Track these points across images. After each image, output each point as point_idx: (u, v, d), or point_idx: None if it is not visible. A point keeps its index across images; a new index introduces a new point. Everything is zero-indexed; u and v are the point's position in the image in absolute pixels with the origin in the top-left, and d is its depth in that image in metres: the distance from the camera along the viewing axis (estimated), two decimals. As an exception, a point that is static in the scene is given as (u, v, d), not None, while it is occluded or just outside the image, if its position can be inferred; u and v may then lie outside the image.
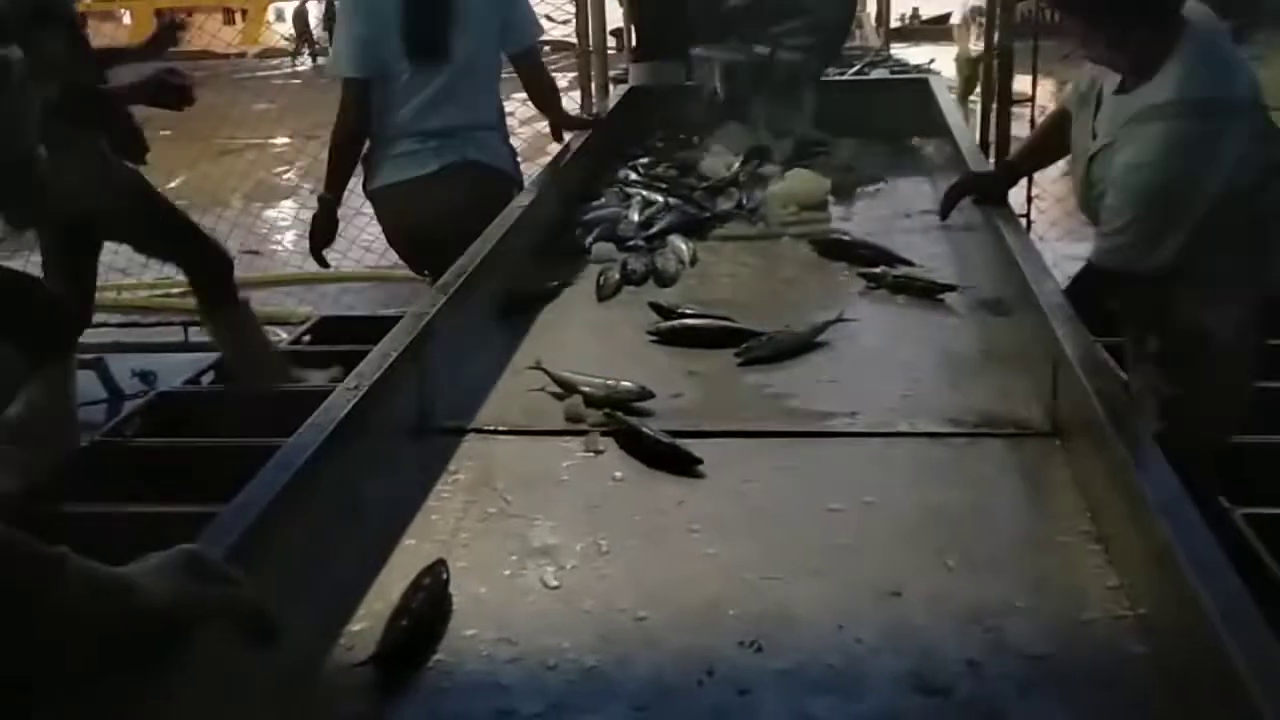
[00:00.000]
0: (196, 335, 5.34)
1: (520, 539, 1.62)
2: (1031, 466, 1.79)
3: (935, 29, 21.31)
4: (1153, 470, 1.45)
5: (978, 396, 2.03)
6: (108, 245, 7.36)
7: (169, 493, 3.06)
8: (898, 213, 3.27)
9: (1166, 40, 2.24)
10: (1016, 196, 3.94)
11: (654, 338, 2.35)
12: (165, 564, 1.07)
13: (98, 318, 5.99)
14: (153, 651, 1.04)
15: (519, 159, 3.38)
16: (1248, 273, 2.38)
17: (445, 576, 1.48)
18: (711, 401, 2.08)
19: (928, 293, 2.52)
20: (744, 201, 3.30)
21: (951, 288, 2.51)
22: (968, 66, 9.39)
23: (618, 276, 2.70)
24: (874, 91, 4.55)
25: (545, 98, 3.39)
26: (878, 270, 2.62)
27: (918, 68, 5.78)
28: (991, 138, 4.43)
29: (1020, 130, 4.42)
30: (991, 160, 4.30)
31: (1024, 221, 3.28)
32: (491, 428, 1.99)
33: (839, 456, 1.86)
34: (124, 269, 6.66)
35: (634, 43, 5.24)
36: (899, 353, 2.28)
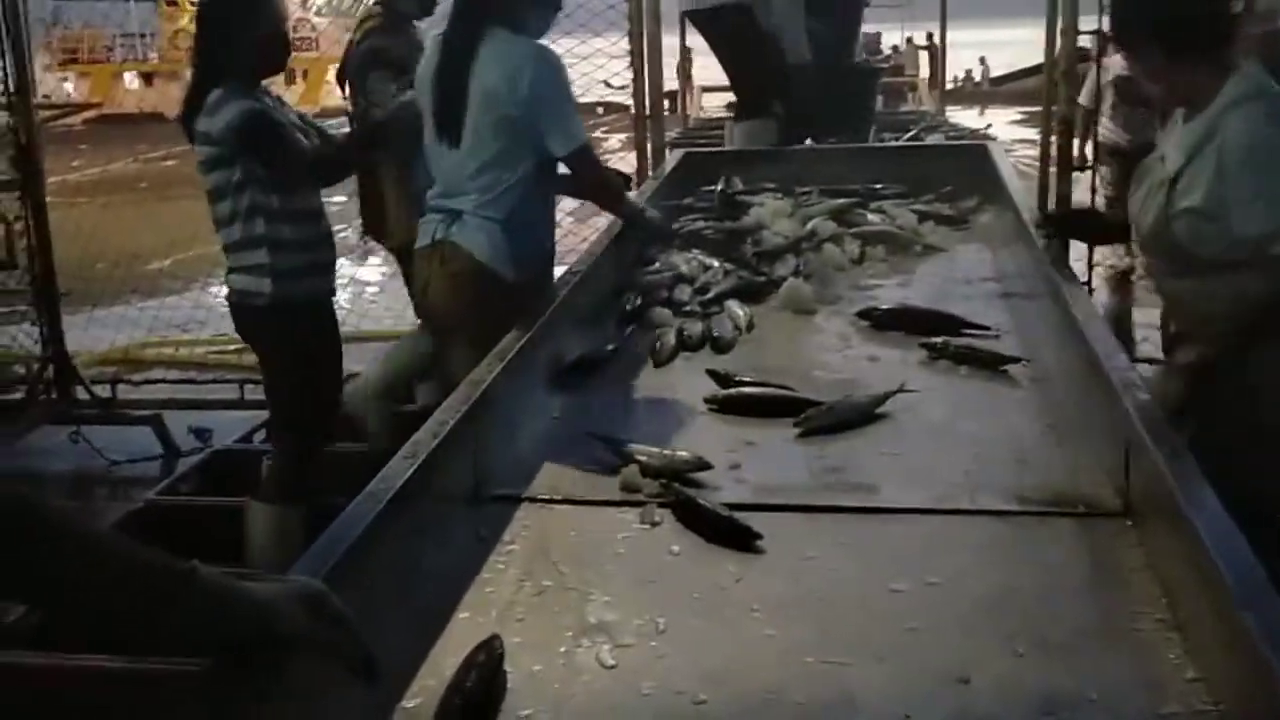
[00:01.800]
0: (251, 392, 5.39)
1: (576, 614, 1.59)
2: (1102, 548, 1.73)
3: (995, 92, 21.33)
4: (1233, 556, 1.39)
5: (1045, 473, 1.97)
6: (166, 303, 7.51)
7: (222, 552, 3.05)
8: (957, 279, 3.24)
9: (1220, 76, 2.35)
10: (1077, 263, 3.90)
11: (711, 406, 2.32)
12: (290, 591, 1.17)
13: (154, 374, 6.11)
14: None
15: (536, 253, 3.11)
16: None
17: (500, 653, 1.45)
18: (770, 473, 2.04)
19: (991, 364, 2.47)
20: (800, 267, 3.28)
21: (1015, 360, 2.46)
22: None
23: (674, 342, 2.68)
24: (930, 158, 4.52)
25: (596, 202, 3.39)
26: (939, 340, 2.57)
27: (973, 133, 5.76)
28: (1050, 203, 4.38)
29: (1080, 195, 4.37)
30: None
31: (1085, 288, 3.21)
32: (546, 496, 1.97)
33: (902, 534, 1.81)
34: (182, 325, 6.78)
35: (735, 103, 5.42)
36: (962, 426, 2.23)
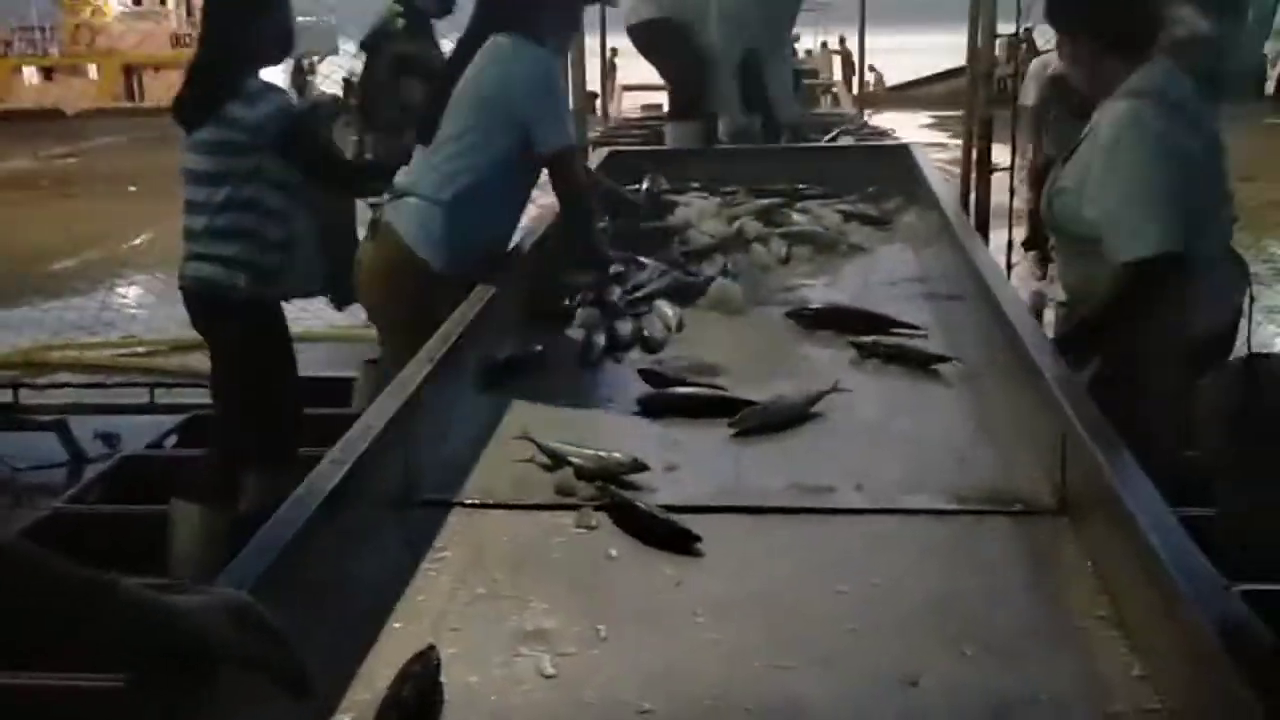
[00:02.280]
0: (162, 396, 5.23)
1: (513, 622, 1.54)
2: (1042, 546, 1.73)
3: (900, 95, 21.73)
4: (1176, 550, 1.39)
5: (980, 472, 1.97)
6: (71, 304, 7.28)
7: (133, 562, 2.94)
8: (883, 279, 3.24)
9: (1114, 71, 2.50)
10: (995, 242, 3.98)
11: (644, 407, 2.29)
12: (215, 603, 1.12)
13: (59, 377, 5.90)
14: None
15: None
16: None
17: (436, 663, 1.40)
18: (706, 475, 2.01)
19: (922, 363, 2.47)
20: (729, 267, 3.26)
21: (946, 359, 2.47)
22: None
23: (603, 343, 2.64)
24: (855, 159, 4.54)
25: (563, 214, 3.15)
26: (869, 340, 2.57)
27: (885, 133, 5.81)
28: (971, 203, 4.42)
29: (999, 196, 4.43)
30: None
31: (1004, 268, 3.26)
32: (478, 501, 1.92)
33: (841, 534, 1.79)
34: (88, 327, 6.57)
35: (667, 105, 5.50)
36: (895, 425, 2.22)
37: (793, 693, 1.37)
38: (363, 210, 3.30)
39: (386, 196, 2.90)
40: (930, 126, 17.26)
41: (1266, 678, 1.12)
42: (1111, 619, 1.50)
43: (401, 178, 2.94)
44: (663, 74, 5.43)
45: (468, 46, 2.92)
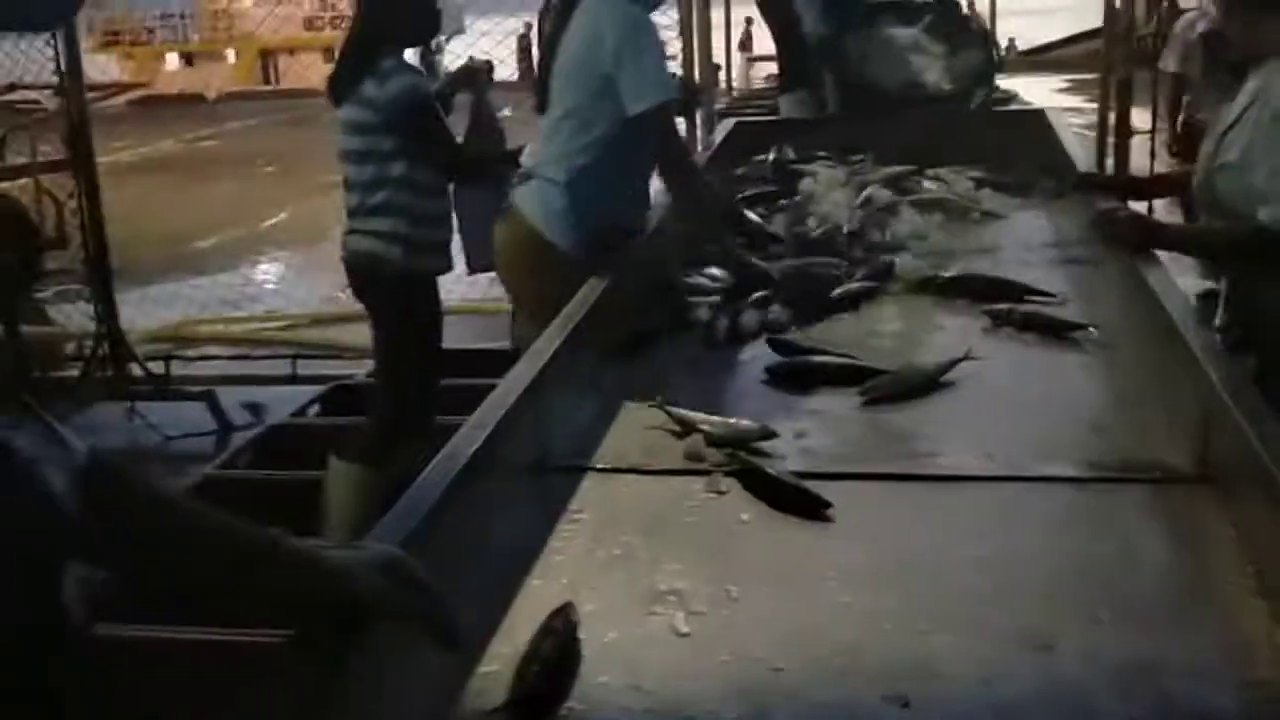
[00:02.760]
0: (304, 368, 5.42)
1: (647, 582, 1.58)
2: (1180, 515, 1.70)
3: (1035, 59, 21.08)
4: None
5: (1117, 440, 1.94)
6: (216, 280, 7.58)
7: (280, 526, 3.07)
8: (1018, 245, 3.19)
9: None
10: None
11: (774, 376, 2.30)
12: (368, 558, 1.18)
13: (207, 350, 6.17)
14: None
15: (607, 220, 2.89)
16: None
17: (575, 620, 1.45)
18: (837, 442, 2.02)
19: (1057, 331, 2.43)
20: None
21: (1082, 326, 2.42)
22: None
23: (727, 325, 2.57)
24: (988, 125, 4.45)
25: (663, 174, 3.06)
26: (1002, 307, 2.53)
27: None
28: (1109, 168, 4.31)
29: (1140, 161, 4.30)
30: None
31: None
32: (611, 466, 1.96)
33: (973, 501, 1.79)
34: (233, 302, 6.85)
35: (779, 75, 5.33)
36: (1028, 393, 2.20)
37: (924, 655, 1.38)
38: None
39: (516, 178, 2.94)
40: (1066, 90, 16.73)
41: None
42: (1255, 589, 1.47)
43: (528, 157, 2.97)
44: (775, 41, 5.34)
45: (564, 8, 2.87)
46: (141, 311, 6.32)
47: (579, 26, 2.80)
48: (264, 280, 8.14)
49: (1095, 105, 4.50)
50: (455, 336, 3.99)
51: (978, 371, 2.26)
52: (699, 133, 5.15)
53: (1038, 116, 4.37)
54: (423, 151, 3.28)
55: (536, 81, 2.93)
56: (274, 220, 10.14)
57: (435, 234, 3.39)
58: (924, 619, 1.45)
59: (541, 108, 2.90)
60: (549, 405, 2.00)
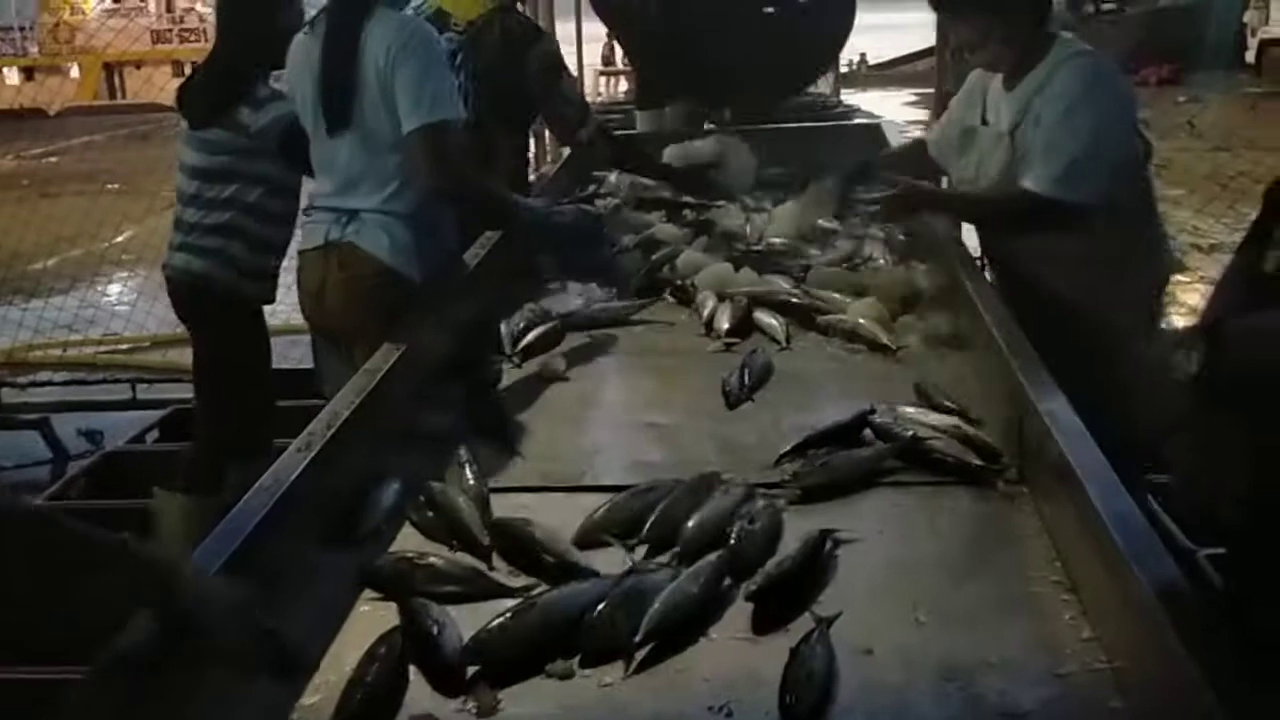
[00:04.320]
0: (144, 392, 5.24)
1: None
2: (997, 516, 1.76)
3: (882, 74, 21.72)
4: (1122, 516, 1.42)
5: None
6: (52, 303, 7.24)
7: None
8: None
9: (1043, 41, 2.66)
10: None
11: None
12: (219, 581, 1.25)
13: (41, 376, 5.90)
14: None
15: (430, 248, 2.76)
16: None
17: (400, 646, 1.43)
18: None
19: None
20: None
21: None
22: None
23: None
24: (826, 139, 4.55)
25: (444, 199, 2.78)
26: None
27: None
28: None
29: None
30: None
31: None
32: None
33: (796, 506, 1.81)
34: (71, 324, 6.57)
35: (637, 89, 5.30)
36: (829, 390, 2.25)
37: (746, 661, 1.40)
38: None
39: (330, 216, 2.72)
40: (913, 104, 17.27)
41: (1200, 636, 1.15)
42: (1066, 584, 1.54)
43: (337, 188, 2.73)
44: (629, 52, 5.32)
45: (351, 18, 2.65)
46: (-30, 337, 6.02)
47: (376, 41, 2.60)
48: (104, 302, 7.84)
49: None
50: (299, 356, 3.89)
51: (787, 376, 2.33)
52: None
53: (874, 130, 4.49)
54: (285, 181, 3.24)
55: (329, 102, 2.68)
56: (117, 239, 9.77)
57: (270, 263, 3.34)
58: (746, 621, 1.48)
59: (341, 125, 2.67)
60: (380, 424, 1.96)
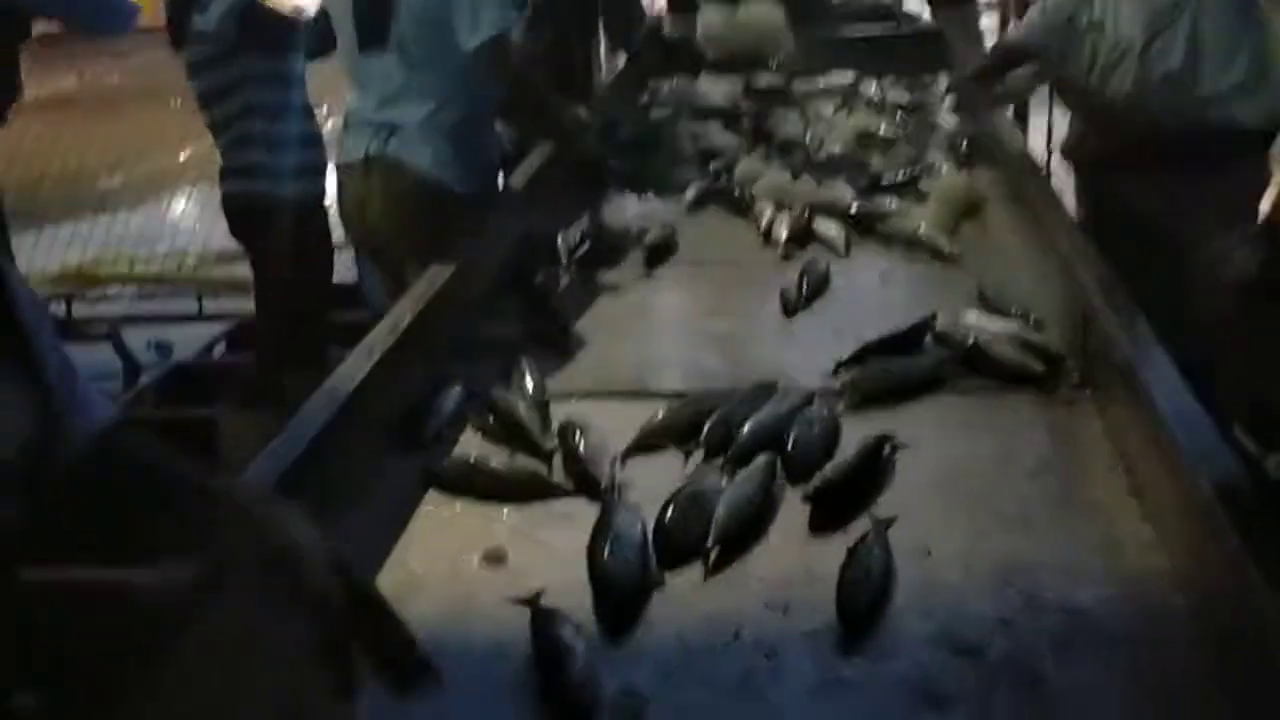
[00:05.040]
0: (210, 305, 5.32)
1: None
2: (1059, 421, 1.74)
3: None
4: (1186, 420, 1.41)
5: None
6: (118, 219, 7.34)
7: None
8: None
9: None
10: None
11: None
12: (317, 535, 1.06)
13: (111, 290, 6.01)
14: None
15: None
16: None
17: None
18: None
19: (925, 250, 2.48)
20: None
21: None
22: None
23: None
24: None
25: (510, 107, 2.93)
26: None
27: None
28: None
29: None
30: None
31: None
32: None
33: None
34: (135, 241, 6.66)
35: None
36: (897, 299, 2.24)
37: (804, 561, 1.41)
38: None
39: (371, 130, 2.74)
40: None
41: (1261, 537, 1.14)
42: (1127, 487, 1.53)
43: (379, 102, 2.75)
44: None
45: None
46: (41, 254, 6.12)
47: None
48: (171, 218, 7.94)
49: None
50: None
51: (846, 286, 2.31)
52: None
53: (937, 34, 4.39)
54: (268, 70, 3.17)
55: (366, 18, 2.71)
56: (180, 157, 9.87)
57: (297, 158, 3.26)
58: (805, 522, 1.49)
59: (380, 42, 2.71)
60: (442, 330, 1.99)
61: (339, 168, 2.86)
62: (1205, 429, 1.37)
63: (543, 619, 1.28)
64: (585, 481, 1.60)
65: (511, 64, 2.74)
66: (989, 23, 4.92)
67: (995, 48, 2.77)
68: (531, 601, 1.32)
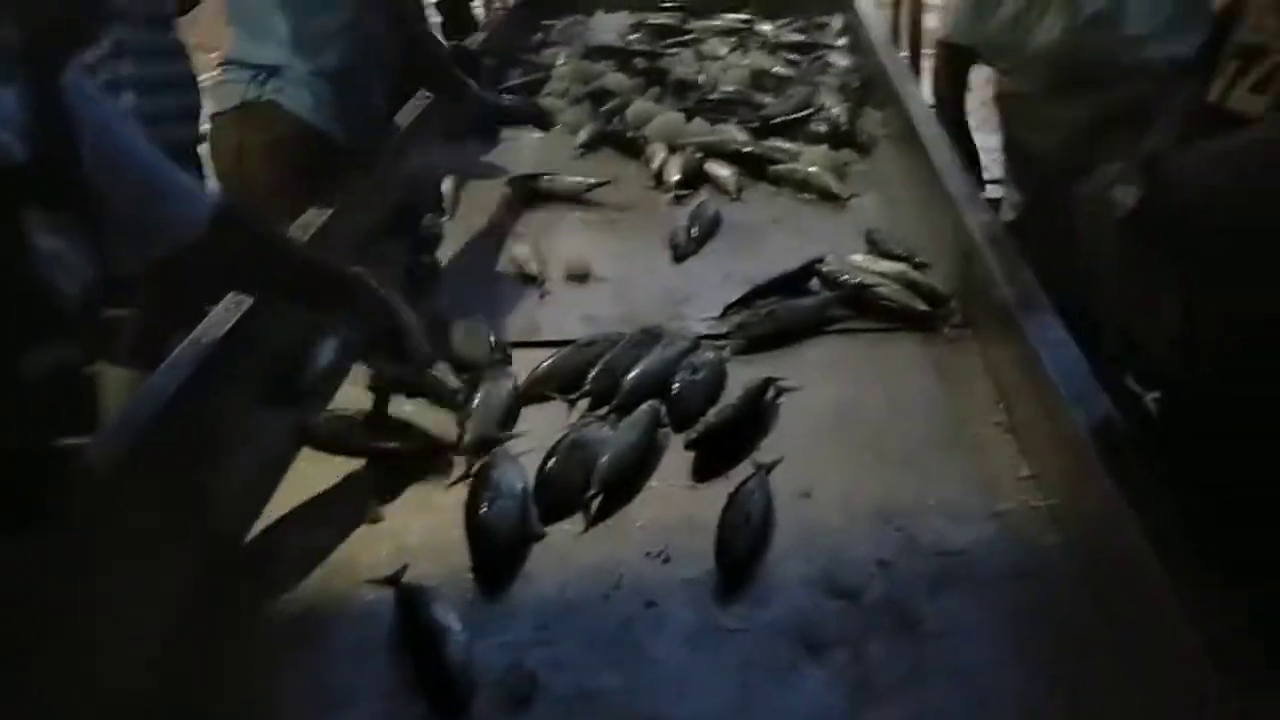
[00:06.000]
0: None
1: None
2: (943, 360, 1.75)
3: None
4: (1062, 357, 1.42)
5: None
6: None
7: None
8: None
9: None
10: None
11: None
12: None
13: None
14: None
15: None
16: None
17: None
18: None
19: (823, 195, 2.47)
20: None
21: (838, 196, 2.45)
22: None
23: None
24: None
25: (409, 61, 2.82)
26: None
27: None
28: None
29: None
30: (905, 53, 4.23)
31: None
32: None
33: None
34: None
35: None
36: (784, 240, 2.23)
37: (686, 505, 1.40)
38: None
39: (247, 74, 2.59)
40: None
41: (1133, 475, 1.15)
42: (1005, 424, 1.54)
43: (251, 43, 2.62)
44: None
45: None
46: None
47: None
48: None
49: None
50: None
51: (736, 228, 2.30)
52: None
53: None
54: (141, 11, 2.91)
55: None
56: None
57: (173, 101, 3.02)
58: (689, 470, 1.48)
59: None
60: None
61: (213, 116, 2.72)
62: (1080, 368, 1.38)
63: (409, 598, 1.24)
64: (466, 436, 1.56)
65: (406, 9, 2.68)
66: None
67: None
68: (394, 580, 1.28)
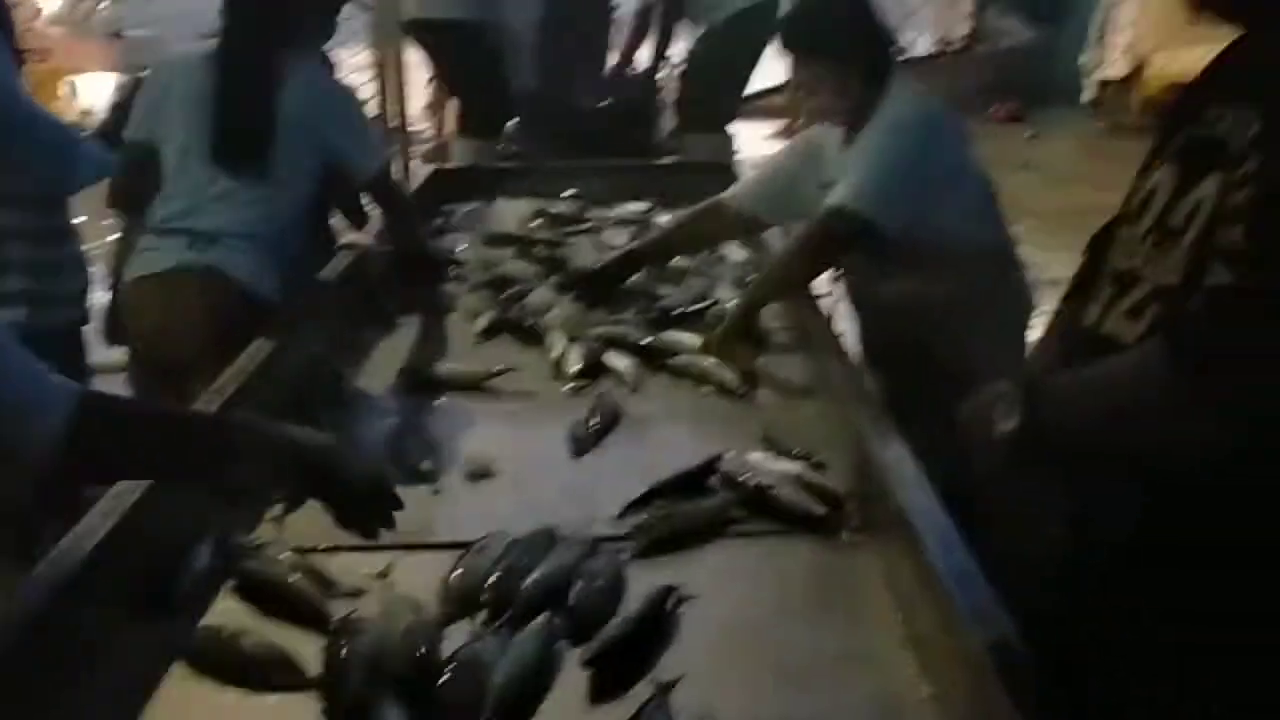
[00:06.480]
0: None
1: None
2: (838, 567, 1.73)
3: (747, 106, 21.98)
4: (960, 571, 1.42)
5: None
6: None
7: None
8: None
9: (879, 92, 2.52)
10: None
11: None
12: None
13: None
14: None
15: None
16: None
17: None
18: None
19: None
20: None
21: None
22: None
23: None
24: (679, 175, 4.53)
25: (393, 225, 3.19)
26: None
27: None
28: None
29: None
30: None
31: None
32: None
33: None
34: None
35: (459, 119, 5.20)
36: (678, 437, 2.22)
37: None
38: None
39: (183, 240, 2.68)
40: (776, 136, 17.47)
41: (1033, 698, 1.14)
42: (904, 637, 1.52)
43: (187, 210, 2.72)
44: (449, 83, 5.39)
45: (257, 60, 2.79)
46: None
47: (298, 92, 2.79)
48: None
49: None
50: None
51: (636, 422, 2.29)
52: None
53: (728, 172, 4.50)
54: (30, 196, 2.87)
55: (234, 142, 2.76)
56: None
57: (58, 284, 2.94)
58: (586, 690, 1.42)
59: (249, 172, 2.74)
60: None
61: (136, 281, 2.70)
62: (978, 583, 1.38)
63: None
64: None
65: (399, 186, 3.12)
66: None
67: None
68: None
